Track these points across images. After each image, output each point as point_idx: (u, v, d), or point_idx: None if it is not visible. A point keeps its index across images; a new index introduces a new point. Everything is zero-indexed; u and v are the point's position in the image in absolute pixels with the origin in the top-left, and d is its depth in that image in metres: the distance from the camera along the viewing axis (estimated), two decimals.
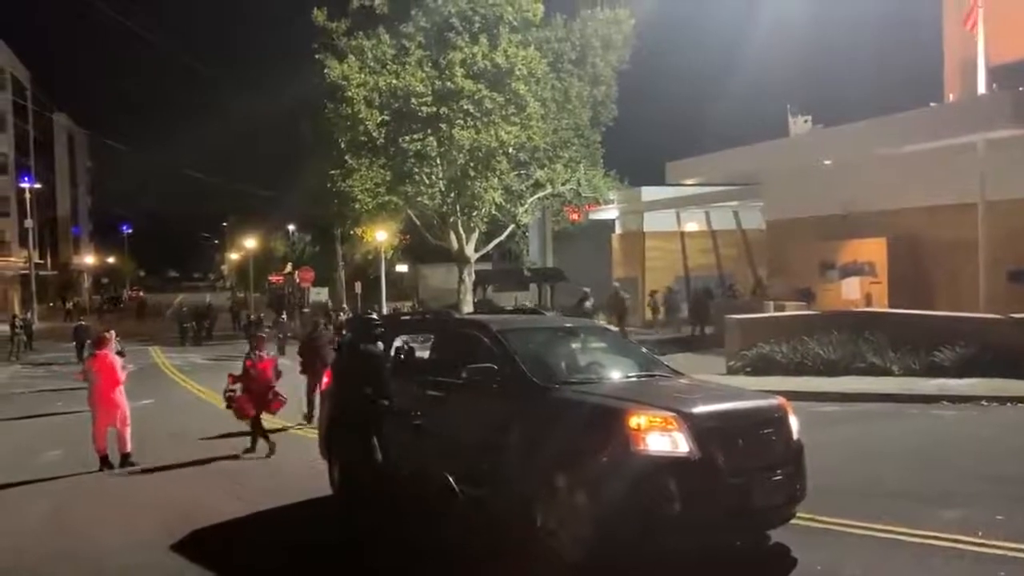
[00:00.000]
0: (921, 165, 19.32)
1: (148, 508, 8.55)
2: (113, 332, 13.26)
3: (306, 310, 30.51)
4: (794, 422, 6.25)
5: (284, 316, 31.05)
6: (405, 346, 8.33)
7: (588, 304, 22.64)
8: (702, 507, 5.55)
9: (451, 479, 6.71)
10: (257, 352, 11.36)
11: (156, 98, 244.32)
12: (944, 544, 6.16)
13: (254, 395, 11.01)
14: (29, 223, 51.31)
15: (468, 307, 26.52)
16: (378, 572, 6.30)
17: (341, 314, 28.01)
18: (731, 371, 16.93)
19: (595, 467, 5.71)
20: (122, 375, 10.72)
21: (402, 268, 45.42)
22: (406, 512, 7.73)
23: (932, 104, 20.72)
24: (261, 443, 11.04)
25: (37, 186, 55.68)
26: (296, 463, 10.31)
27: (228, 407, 11.19)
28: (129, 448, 10.52)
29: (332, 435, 8.35)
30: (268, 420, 11.85)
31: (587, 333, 7.93)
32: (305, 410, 13.40)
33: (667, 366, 7.42)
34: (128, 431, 10.59)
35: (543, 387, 6.41)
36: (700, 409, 5.85)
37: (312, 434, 12.09)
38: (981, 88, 19.46)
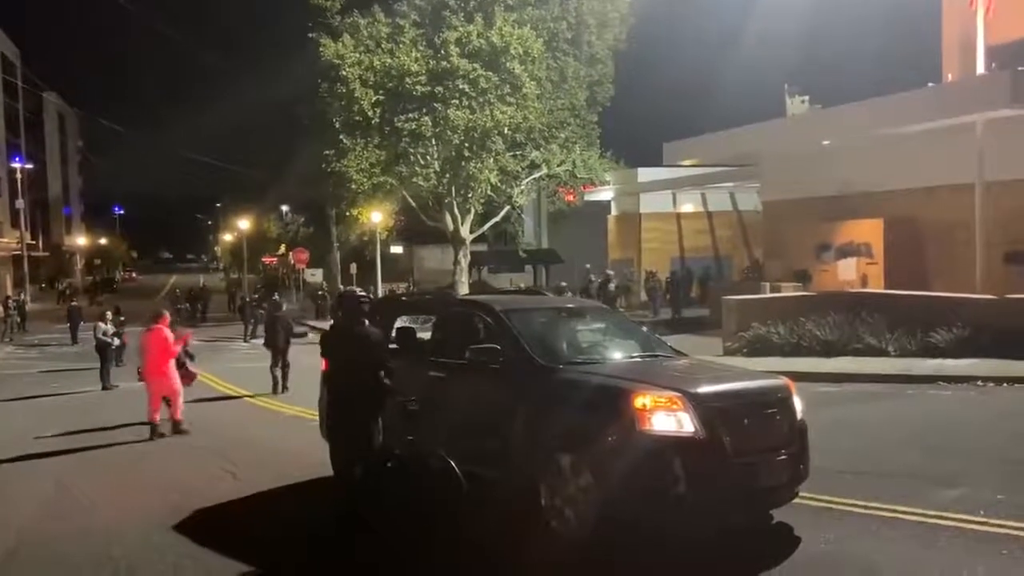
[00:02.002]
0: (918, 146, 19.30)
1: (147, 487, 8.54)
2: (109, 313, 13.85)
3: (320, 292, 29.94)
4: (798, 402, 6.25)
5: (276, 297, 30.94)
6: (405, 327, 8.28)
7: (612, 286, 22.42)
8: (707, 487, 5.54)
9: (452, 462, 6.69)
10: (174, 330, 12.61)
11: (147, 78, 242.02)
12: (946, 523, 6.18)
13: None
14: (20, 204, 50.97)
15: (464, 288, 26.47)
16: (378, 556, 6.28)
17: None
18: (728, 352, 16.95)
19: (600, 447, 5.70)
20: (175, 348, 11.75)
21: (397, 249, 45.32)
22: (406, 494, 7.73)
23: (930, 84, 20.66)
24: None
25: (28, 166, 55.22)
26: (291, 443, 10.31)
27: (140, 380, 12.14)
28: (180, 416, 11.39)
29: (332, 417, 8.31)
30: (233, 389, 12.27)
31: (590, 313, 7.90)
32: (275, 383, 15.11)
33: (670, 347, 7.41)
34: (180, 400, 11.50)
35: (547, 367, 6.38)
36: (705, 389, 5.84)
37: (291, 410, 12.20)
38: (980, 68, 19.42)
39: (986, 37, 19.52)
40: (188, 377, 12.41)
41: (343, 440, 8.05)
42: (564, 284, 24.62)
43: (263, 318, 29.33)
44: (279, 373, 15.25)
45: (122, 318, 20.17)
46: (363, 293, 7.56)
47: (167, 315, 12.42)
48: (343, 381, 8.30)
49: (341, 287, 31.96)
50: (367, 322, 7.17)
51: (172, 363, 11.60)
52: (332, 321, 10.41)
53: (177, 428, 11.33)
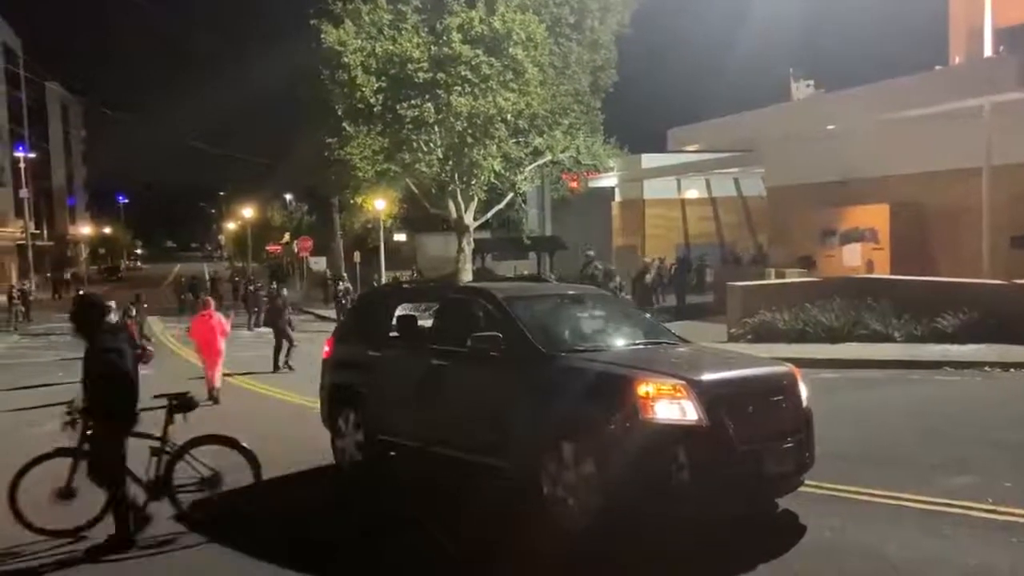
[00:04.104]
0: (925, 130, 19.13)
1: None
2: (112, 303, 15.23)
3: (343, 284, 29.22)
4: (804, 389, 6.18)
5: (274, 285, 31.23)
6: (406, 314, 8.22)
7: (649, 277, 21.77)
8: (712, 475, 5.48)
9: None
10: (124, 316, 14.70)
11: (151, 67, 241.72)
12: (953, 511, 6.13)
13: None
14: (24, 193, 51.02)
15: (467, 276, 26.36)
16: (385, 543, 6.25)
17: (340, 283, 27.97)
18: (732, 339, 16.88)
19: (603, 435, 5.64)
20: (227, 327, 13.92)
21: (400, 237, 45.21)
22: (408, 483, 7.70)
23: (937, 67, 20.45)
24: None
25: (31, 155, 55.23)
26: (293, 431, 10.28)
27: None
28: (218, 385, 13.34)
29: (333, 405, 8.30)
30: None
31: (592, 301, 7.83)
32: (275, 363, 16.67)
33: (673, 334, 7.33)
34: (219, 372, 13.47)
35: (549, 355, 6.31)
36: (709, 376, 5.77)
37: (294, 399, 12.17)
38: (987, 51, 19.22)
39: (993, 20, 19.31)
40: (148, 357, 13.53)
41: (344, 428, 8.05)
42: (525, 271, 22.79)
43: (267, 306, 29.60)
44: (283, 354, 16.80)
45: (145, 304, 21.16)
46: (110, 302, 7.07)
47: (212, 301, 14.69)
48: (343, 367, 8.28)
49: (344, 275, 31.94)
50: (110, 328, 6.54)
51: (223, 341, 13.62)
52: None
53: (212, 395, 13.19)
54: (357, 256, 37.35)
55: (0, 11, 59.29)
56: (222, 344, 13.67)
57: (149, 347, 14.44)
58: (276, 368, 16.51)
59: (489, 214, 28.79)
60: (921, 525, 5.91)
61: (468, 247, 27.40)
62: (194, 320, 14.28)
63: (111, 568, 5.92)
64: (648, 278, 21.53)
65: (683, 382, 5.59)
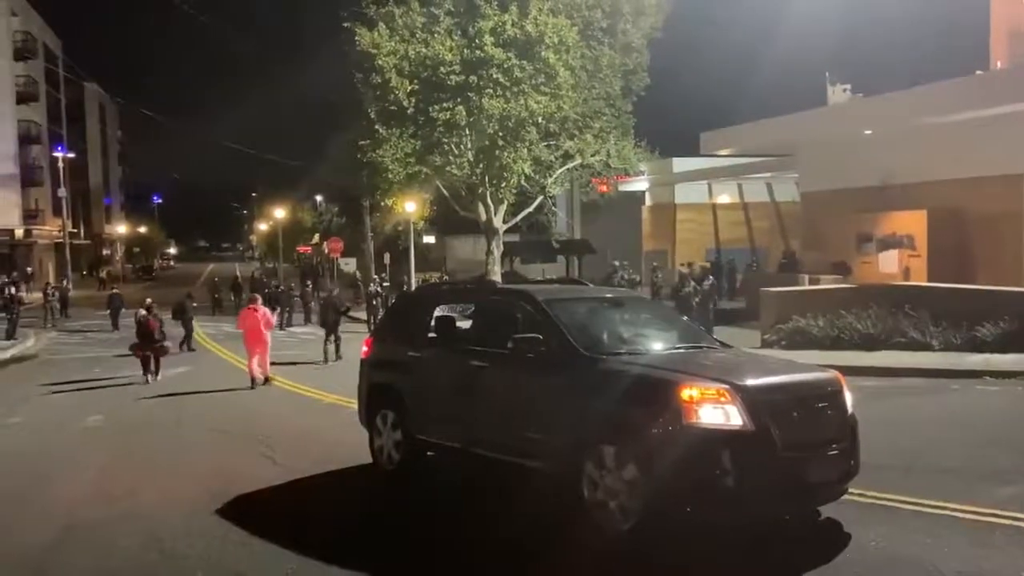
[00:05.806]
0: (964, 135, 18.82)
1: (188, 474, 8.59)
2: (149, 299, 16.06)
3: (373, 287, 29.30)
4: (849, 396, 6.10)
5: (308, 285, 31.70)
6: (444, 315, 8.23)
7: (706, 284, 20.93)
8: (756, 481, 5.42)
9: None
10: (147, 314, 16.32)
11: (185, 69, 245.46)
12: (1001, 521, 6.02)
13: (143, 342, 15.77)
14: (62, 192, 51.93)
15: (496, 279, 26.35)
16: (422, 542, 6.27)
17: (372, 284, 28.16)
18: (766, 344, 16.73)
19: (646, 439, 5.60)
20: (272, 319, 16.16)
21: (429, 239, 45.32)
22: (445, 483, 7.72)
23: (978, 72, 20.13)
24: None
25: (70, 155, 56.23)
26: (330, 430, 10.35)
27: (130, 349, 16.25)
28: (268, 372, 14.91)
29: (372, 405, 8.33)
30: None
31: (632, 304, 7.79)
32: (326, 355, 18.02)
33: (714, 338, 7.27)
34: (267, 360, 15.03)
35: (590, 357, 6.28)
36: (754, 381, 5.70)
37: (329, 398, 12.24)
38: None
39: None
40: (164, 351, 16.00)
41: (381, 427, 8.06)
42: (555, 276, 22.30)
43: (297, 306, 29.99)
44: (331, 346, 18.06)
45: (195, 304, 22.56)
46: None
47: (259, 298, 16.66)
48: (382, 367, 8.29)
49: (375, 277, 32.14)
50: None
51: (268, 333, 15.12)
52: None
53: (267, 380, 14.71)
54: (387, 258, 37.54)
55: (40, 12, 60.36)
56: (267, 334, 15.18)
57: (167, 343, 15.88)
58: (326, 359, 17.90)
59: (518, 217, 28.80)
60: (970, 535, 5.80)
61: (497, 250, 27.42)
62: (242, 313, 15.94)
63: None
64: (705, 285, 20.56)
65: (728, 386, 5.54)
